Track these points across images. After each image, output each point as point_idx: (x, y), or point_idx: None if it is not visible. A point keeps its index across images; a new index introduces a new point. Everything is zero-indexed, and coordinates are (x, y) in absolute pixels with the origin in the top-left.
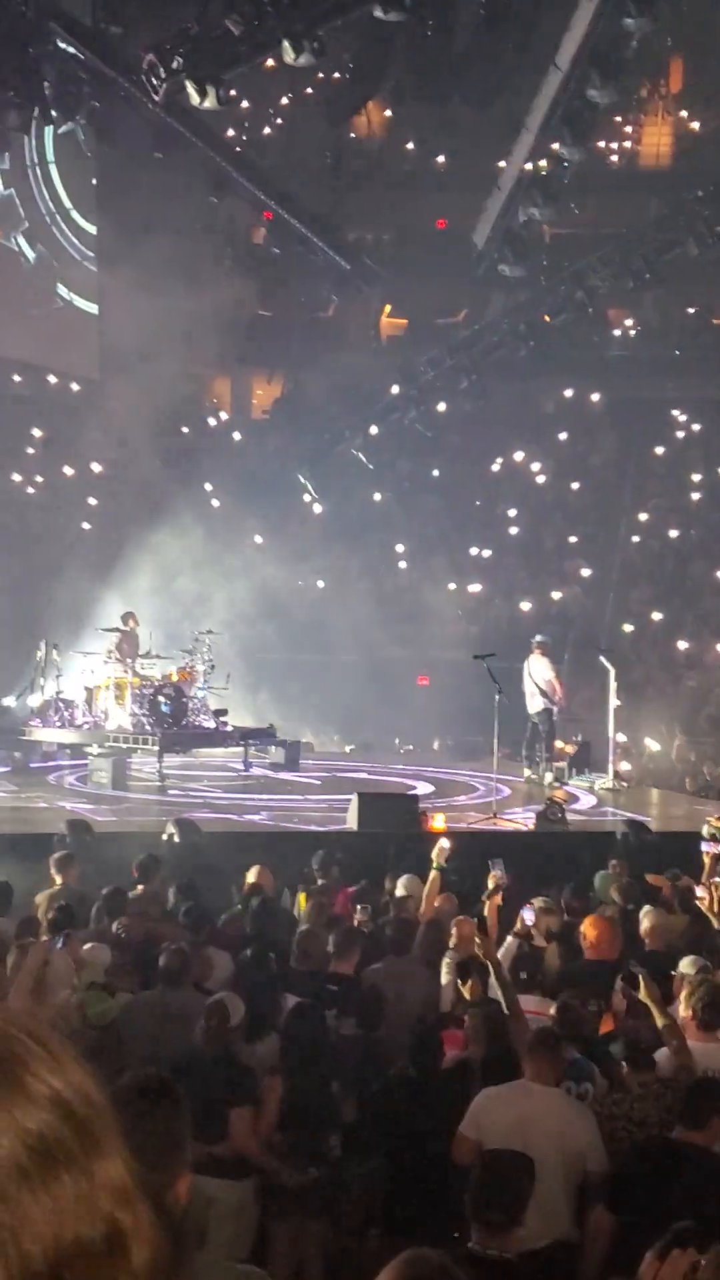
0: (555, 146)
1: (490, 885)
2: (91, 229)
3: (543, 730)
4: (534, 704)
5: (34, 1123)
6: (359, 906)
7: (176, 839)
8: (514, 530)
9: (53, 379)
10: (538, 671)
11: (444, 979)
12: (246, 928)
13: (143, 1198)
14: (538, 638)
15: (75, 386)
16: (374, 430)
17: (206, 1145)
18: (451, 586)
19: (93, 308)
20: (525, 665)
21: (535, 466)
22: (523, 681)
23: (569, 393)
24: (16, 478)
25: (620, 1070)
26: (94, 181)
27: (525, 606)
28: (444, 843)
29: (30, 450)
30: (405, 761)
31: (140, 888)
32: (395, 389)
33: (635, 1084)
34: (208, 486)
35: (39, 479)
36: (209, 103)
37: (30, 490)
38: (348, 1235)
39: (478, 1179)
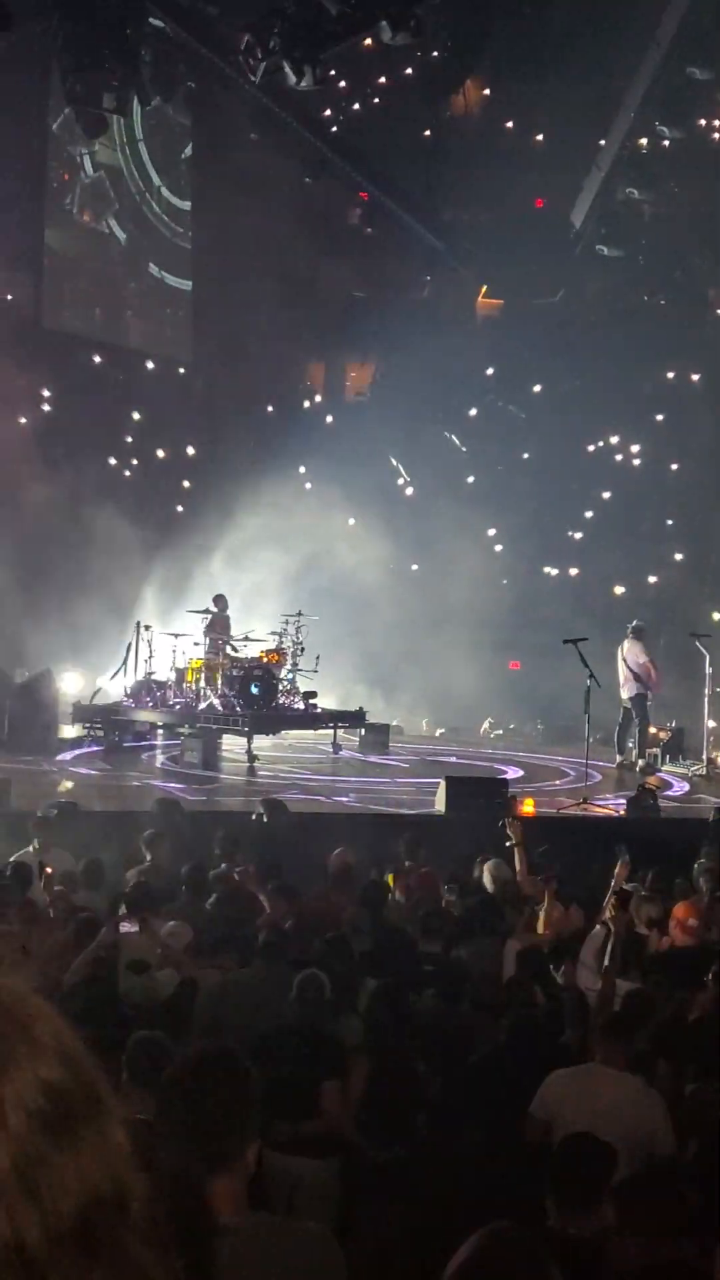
0: (655, 124)
1: (618, 871)
2: (182, 205)
3: (636, 716)
4: (628, 689)
5: (51, 1076)
6: (447, 887)
7: (265, 819)
8: (609, 513)
9: (150, 364)
10: (632, 656)
11: (508, 961)
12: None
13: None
14: (633, 623)
15: (169, 368)
16: (472, 412)
17: (294, 1123)
18: (546, 570)
19: (185, 284)
20: (619, 650)
21: (633, 449)
22: (616, 666)
23: (667, 374)
24: (112, 461)
25: None
26: (184, 155)
27: (619, 590)
28: (514, 821)
29: (126, 434)
30: (495, 745)
31: (224, 866)
32: (489, 370)
33: None
34: (301, 469)
35: (134, 462)
36: (306, 83)
37: (126, 473)
38: (432, 1213)
39: (559, 1160)
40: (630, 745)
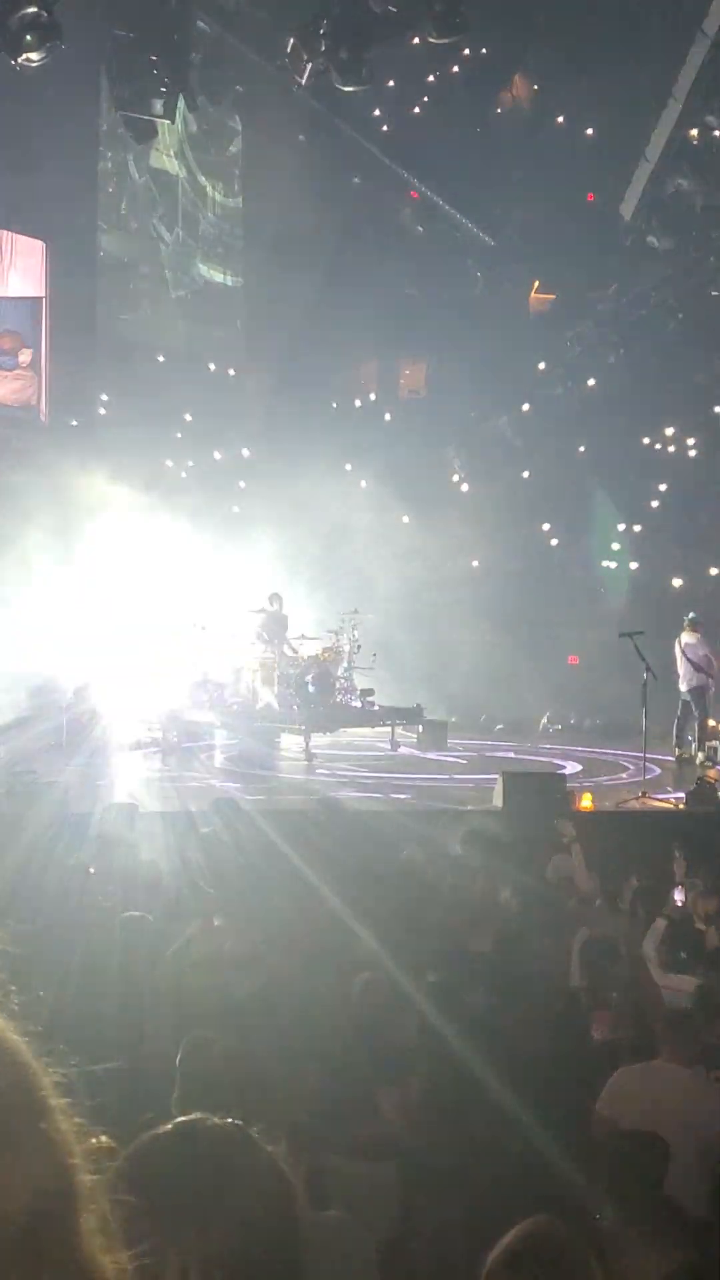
0: (704, 115)
1: (677, 866)
2: (232, 204)
3: (696, 709)
4: (687, 682)
5: None
6: (506, 885)
7: (322, 818)
8: (665, 506)
9: (205, 365)
10: (691, 648)
11: (574, 957)
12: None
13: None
14: (690, 614)
15: (223, 369)
16: (526, 407)
17: (352, 1128)
18: (604, 564)
19: (236, 282)
20: (676, 642)
21: (689, 441)
22: (674, 659)
23: None
24: (169, 463)
25: None
26: (231, 153)
27: (677, 583)
28: (563, 819)
29: (181, 435)
30: (553, 741)
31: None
32: (542, 365)
33: None
34: (354, 467)
35: (190, 463)
36: (352, 84)
37: (182, 475)
38: (489, 1214)
39: (611, 1158)
40: (689, 738)
